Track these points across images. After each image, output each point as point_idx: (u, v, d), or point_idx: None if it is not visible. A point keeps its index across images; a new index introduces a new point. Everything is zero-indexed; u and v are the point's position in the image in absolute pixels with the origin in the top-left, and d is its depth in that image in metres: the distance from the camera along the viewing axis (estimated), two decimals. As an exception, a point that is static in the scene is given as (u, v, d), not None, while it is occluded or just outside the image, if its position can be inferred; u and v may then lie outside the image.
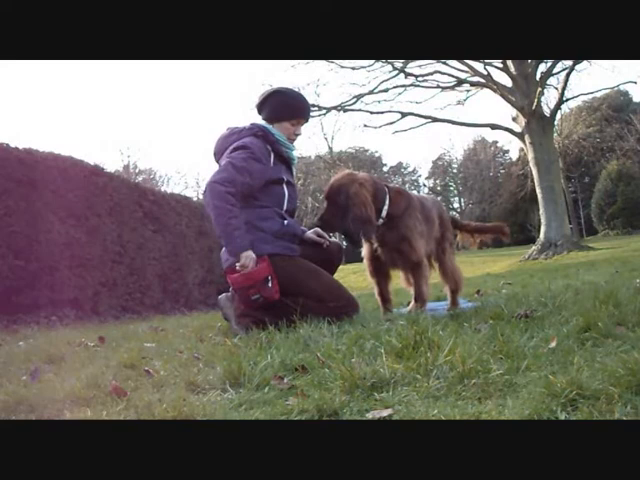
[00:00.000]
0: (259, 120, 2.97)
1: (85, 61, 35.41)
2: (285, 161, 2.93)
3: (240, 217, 2.66)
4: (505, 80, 18.42)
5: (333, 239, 3.26)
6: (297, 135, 2.97)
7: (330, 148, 38.06)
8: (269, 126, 2.90)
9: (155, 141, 63.99)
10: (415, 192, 4.08)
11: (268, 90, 3.00)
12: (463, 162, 43.78)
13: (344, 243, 3.21)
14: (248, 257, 2.65)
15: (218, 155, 2.92)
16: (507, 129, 19.01)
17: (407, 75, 18.84)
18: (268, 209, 2.80)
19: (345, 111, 19.51)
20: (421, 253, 2.88)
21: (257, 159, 2.76)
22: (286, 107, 2.92)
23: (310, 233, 3.07)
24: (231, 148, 2.81)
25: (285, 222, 2.82)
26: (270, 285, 2.67)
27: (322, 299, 2.71)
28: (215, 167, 2.93)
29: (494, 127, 19.46)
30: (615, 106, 33.27)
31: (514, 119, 18.54)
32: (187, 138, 66.12)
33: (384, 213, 2.84)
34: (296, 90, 3.19)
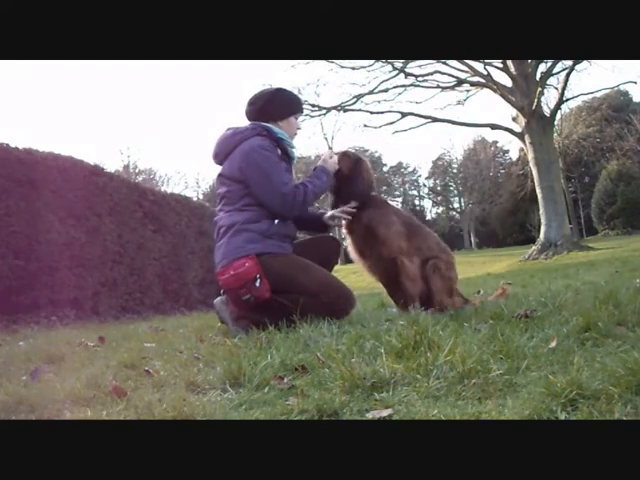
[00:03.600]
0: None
1: (85, 61, 35.43)
2: (288, 159, 2.95)
3: (303, 188, 2.81)
4: (505, 80, 18.46)
5: (331, 235, 3.26)
6: (299, 129, 3.07)
7: (330, 148, 38.07)
8: (273, 126, 2.90)
9: (155, 141, 64.05)
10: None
11: (267, 91, 3.00)
12: (463, 162, 43.77)
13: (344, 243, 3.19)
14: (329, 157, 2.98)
15: (221, 156, 2.89)
16: (507, 129, 19.02)
17: (407, 75, 18.87)
18: (256, 212, 2.77)
19: (345, 111, 19.54)
20: (393, 249, 2.86)
21: (274, 156, 2.84)
22: (292, 102, 3.03)
23: (329, 215, 3.04)
24: (243, 155, 2.80)
25: (275, 221, 2.79)
26: (259, 284, 2.66)
27: (315, 294, 2.68)
28: (214, 168, 2.96)
29: (494, 127, 19.48)
30: (615, 106, 33.26)
31: (514, 119, 18.55)
32: (187, 138, 66.18)
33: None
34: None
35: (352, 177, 2.96)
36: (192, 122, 70.81)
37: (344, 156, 3.02)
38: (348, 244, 3.05)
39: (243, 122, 2.99)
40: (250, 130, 2.86)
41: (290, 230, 2.92)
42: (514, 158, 40.13)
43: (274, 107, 2.93)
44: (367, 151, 43.82)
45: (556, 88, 19.28)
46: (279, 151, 2.88)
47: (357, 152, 3.15)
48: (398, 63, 18.41)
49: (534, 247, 18.13)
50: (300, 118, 3.13)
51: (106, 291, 6.90)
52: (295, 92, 3.34)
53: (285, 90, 3.06)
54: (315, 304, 2.64)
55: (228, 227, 2.79)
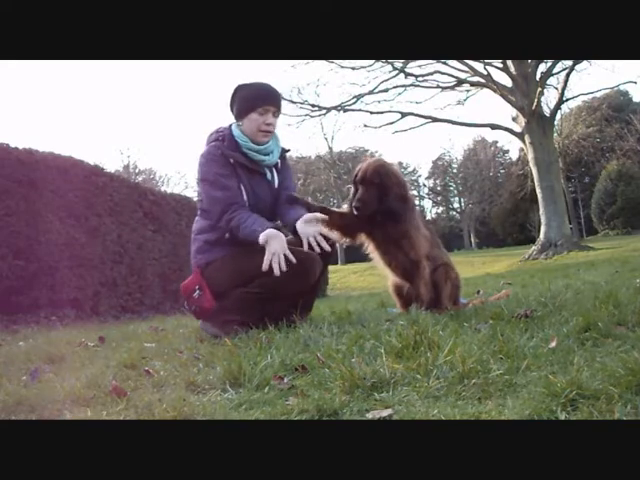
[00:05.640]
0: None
1: (85, 61, 35.43)
2: (247, 167, 2.79)
3: (240, 216, 2.62)
4: (505, 80, 18.47)
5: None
6: (268, 125, 2.80)
7: (330, 148, 38.14)
8: (234, 128, 2.83)
9: (155, 141, 64.09)
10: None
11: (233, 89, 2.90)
12: (463, 162, 43.77)
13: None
14: (271, 237, 2.53)
15: None
16: (507, 129, 19.04)
17: (407, 75, 18.89)
18: (208, 222, 2.76)
19: (345, 111, 19.56)
20: (421, 253, 2.82)
21: (215, 166, 2.74)
22: (248, 98, 2.83)
23: (304, 231, 2.72)
24: (198, 166, 2.81)
25: (227, 235, 2.71)
26: (197, 296, 2.69)
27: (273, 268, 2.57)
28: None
29: (494, 127, 19.49)
30: (615, 106, 33.29)
31: (514, 119, 18.56)
32: (187, 138, 66.21)
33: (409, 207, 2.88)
34: (261, 81, 2.97)
35: (383, 199, 2.76)
36: (192, 122, 70.84)
37: (368, 184, 2.77)
38: (373, 240, 2.90)
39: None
40: (214, 134, 2.85)
41: (246, 242, 2.73)
42: (514, 158, 40.19)
43: (233, 107, 2.87)
44: (367, 151, 43.91)
45: (556, 88, 19.30)
46: (232, 160, 2.74)
47: (382, 166, 2.84)
48: (398, 63, 18.42)
49: (534, 247, 18.14)
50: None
51: (106, 291, 6.90)
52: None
53: (243, 86, 2.87)
54: (281, 278, 2.53)
55: (191, 233, 2.87)
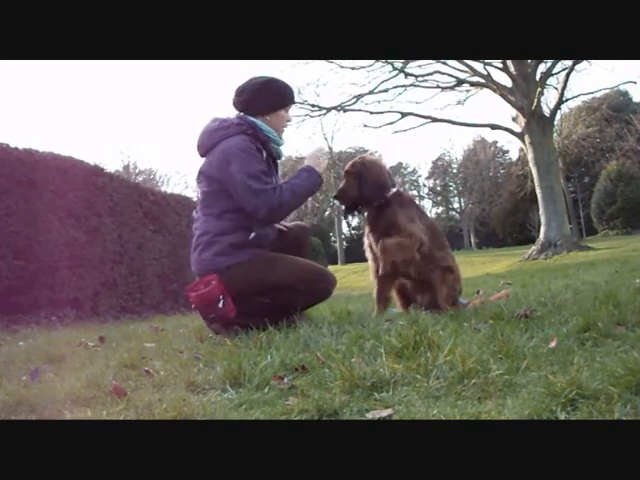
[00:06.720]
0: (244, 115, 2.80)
1: (85, 61, 35.45)
2: (274, 160, 2.82)
3: (279, 191, 2.63)
4: (505, 80, 18.44)
5: (297, 222, 3.18)
6: (289, 122, 2.88)
7: (330, 148, 38.13)
8: (259, 122, 2.74)
9: (155, 141, 64.04)
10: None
11: (256, 82, 2.80)
12: (463, 162, 43.76)
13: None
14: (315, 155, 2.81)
15: (202, 149, 2.77)
16: (507, 129, 19.01)
17: (407, 75, 18.86)
18: (233, 222, 2.65)
19: (345, 111, 19.53)
20: (416, 237, 2.84)
21: (255, 162, 2.66)
22: (282, 94, 2.82)
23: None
24: (222, 155, 2.65)
25: (251, 235, 2.67)
26: (223, 305, 2.58)
27: (290, 287, 2.60)
28: (198, 160, 2.81)
29: (494, 127, 19.47)
30: (615, 106, 33.24)
31: (514, 119, 18.54)
32: (187, 138, 66.18)
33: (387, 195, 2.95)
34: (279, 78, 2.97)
35: (361, 187, 2.89)
36: (192, 122, 70.84)
37: (347, 175, 2.95)
38: (369, 240, 2.96)
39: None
40: (235, 126, 2.69)
41: (265, 240, 2.77)
42: (514, 158, 40.14)
43: (262, 100, 2.74)
44: (367, 151, 43.98)
45: (556, 88, 19.26)
46: (264, 153, 2.71)
47: (362, 158, 3.03)
48: (398, 63, 18.41)
49: (534, 247, 18.11)
50: (293, 113, 2.95)
51: (106, 291, 6.90)
52: (295, 91, 3.21)
53: (276, 81, 2.83)
54: (295, 295, 2.59)
55: (202, 234, 2.71)
